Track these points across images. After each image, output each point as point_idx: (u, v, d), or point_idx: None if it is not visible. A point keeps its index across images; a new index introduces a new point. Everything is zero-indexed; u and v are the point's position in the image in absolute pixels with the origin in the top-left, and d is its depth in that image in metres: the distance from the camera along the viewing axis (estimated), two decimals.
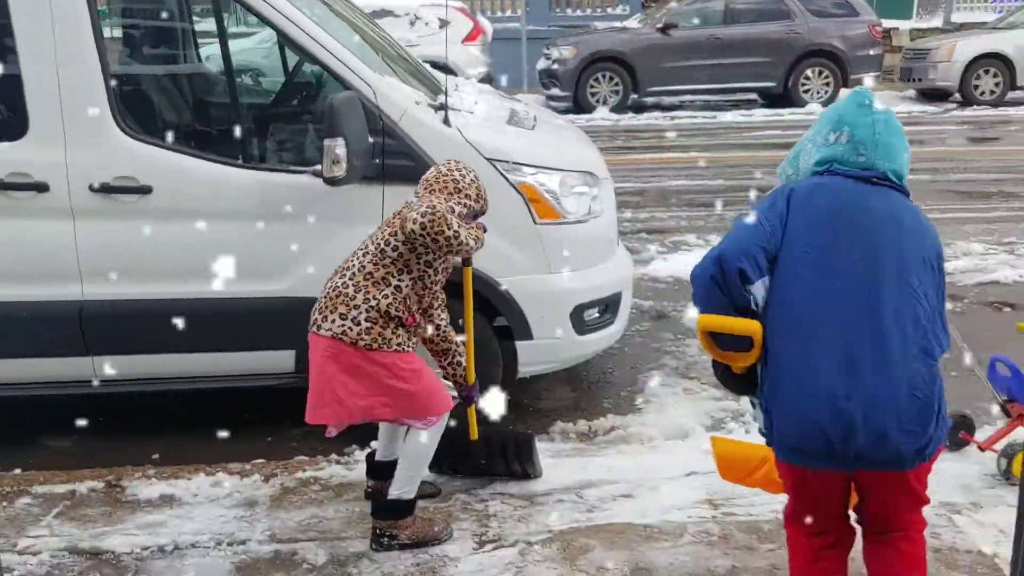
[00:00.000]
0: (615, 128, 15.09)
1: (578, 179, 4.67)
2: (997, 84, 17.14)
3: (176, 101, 5.34)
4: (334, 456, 4.45)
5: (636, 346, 5.83)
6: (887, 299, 2.63)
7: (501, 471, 4.15)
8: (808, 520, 2.87)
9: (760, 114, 16.21)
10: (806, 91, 16.99)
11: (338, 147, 3.99)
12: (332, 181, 4.07)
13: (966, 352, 4.17)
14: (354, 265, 3.53)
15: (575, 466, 4.30)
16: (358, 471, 4.24)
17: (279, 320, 4.40)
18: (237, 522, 3.84)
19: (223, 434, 4.67)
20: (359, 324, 3.40)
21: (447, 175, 3.65)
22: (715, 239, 8.14)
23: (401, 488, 3.62)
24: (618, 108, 16.51)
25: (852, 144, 2.82)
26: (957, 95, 17.32)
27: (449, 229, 3.36)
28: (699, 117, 16.10)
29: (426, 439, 3.60)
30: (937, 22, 22.13)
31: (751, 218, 2.77)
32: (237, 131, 4.44)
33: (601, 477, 4.18)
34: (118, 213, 4.25)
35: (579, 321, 4.65)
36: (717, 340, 2.77)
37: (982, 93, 17.13)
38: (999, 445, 4.25)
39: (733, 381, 2.92)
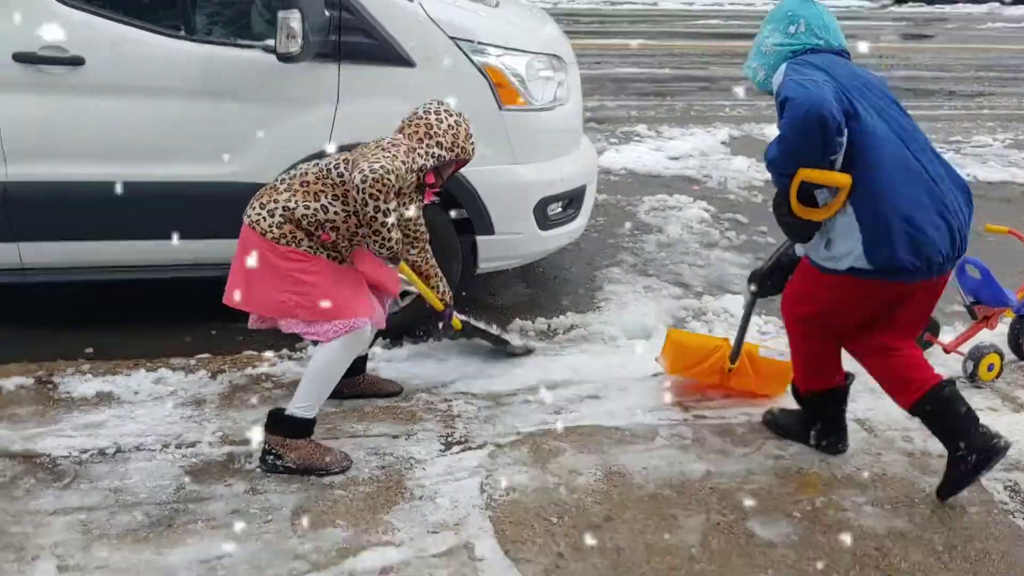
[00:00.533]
0: (555, 12, 14.61)
1: (545, 63, 4.39)
2: None
3: None
4: (286, 351, 4.21)
5: (592, 242, 5.65)
6: (922, 139, 3.13)
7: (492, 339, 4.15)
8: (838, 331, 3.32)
9: (701, 2, 15.88)
10: None
11: (293, 20, 3.65)
12: (285, 57, 3.74)
13: None
14: (300, 170, 3.35)
15: (538, 366, 4.14)
16: None
17: (224, 207, 4.08)
18: (185, 422, 3.59)
19: (162, 328, 4.42)
20: (273, 216, 3.23)
21: (422, 118, 3.40)
22: (667, 130, 8.00)
23: (300, 405, 3.28)
24: None
25: (810, 30, 3.25)
26: None
27: (380, 208, 3.13)
28: (639, 3, 15.71)
29: (334, 354, 3.27)
30: None
31: (812, 81, 3.01)
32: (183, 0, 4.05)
33: (566, 377, 4.03)
34: (45, 86, 3.86)
35: (542, 216, 4.43)
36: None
37: None
38: (965, 347, 4.21)
39: (803, 231, 3.22)
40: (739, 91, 9.47)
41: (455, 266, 4.38)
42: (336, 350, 3.27)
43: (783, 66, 3.19)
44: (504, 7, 4.71)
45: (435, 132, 3.37)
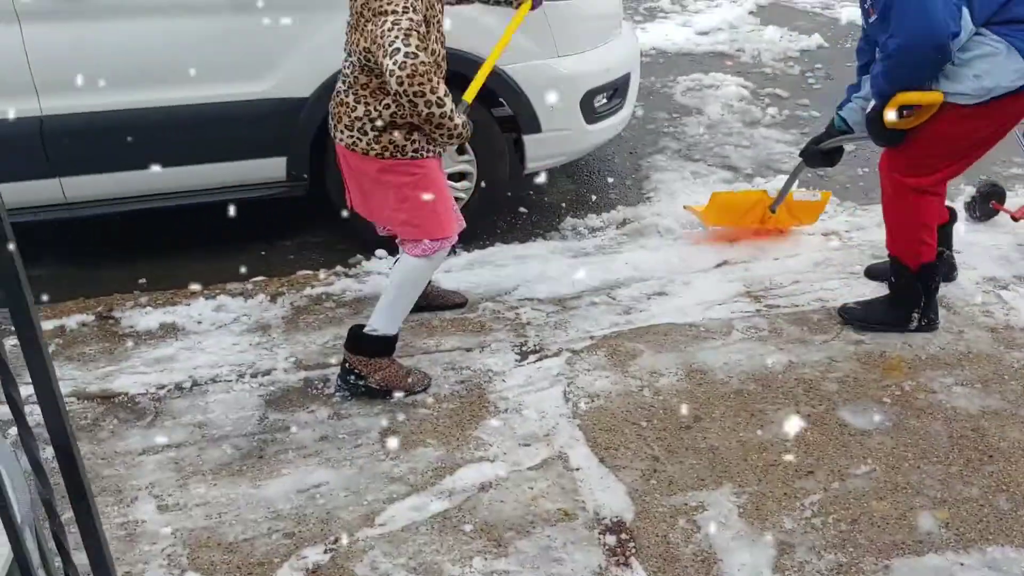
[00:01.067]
0: None
1: None
2: None
3: None
4: (340, 268, 4.14)
5: (632, 129, 5.50)
6: None
7: None
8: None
9: None
10: None
11: None
12: None
13: None
14: (348, 71, 3.10)
15: (600, 264, 4.06)
16: (371, 283, 3.97)
17: (265, 124, 3.98)
18: (255, 350, 3.55)
19: (210, 254, 4.35)
20: (366, 133, 3.05)
21: None
22: (692, 3, 7.72)
23: (380, 322, 3.20)
24: None
25: None
26: None
27: (432, 100, 2.83)
28: None
29: (419, 269, 3.17)
30: None
31: None
32: None
33: (628, 275, 3.97)
34: (71, 13, 3.70)
35: (589, 109, 4.29)
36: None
37: None
38: None
39: (894, 139, 3.26)
40: None
41: (502, 167, 4.28)
42: (423, 265, 3.17)
43: None
44: None
45: None
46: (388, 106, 3.01)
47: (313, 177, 4.16)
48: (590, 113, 4.31)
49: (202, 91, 3.90)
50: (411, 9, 2.86)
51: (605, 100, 4.38)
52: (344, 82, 3.12)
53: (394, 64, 2.79)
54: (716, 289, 3.82)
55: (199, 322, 3.76)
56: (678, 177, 4.92)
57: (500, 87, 4.10)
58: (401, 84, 2.79)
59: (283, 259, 4.33)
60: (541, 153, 4.31)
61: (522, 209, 4.71)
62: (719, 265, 4.01)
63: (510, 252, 4.23)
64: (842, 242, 4.17)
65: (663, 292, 3.83)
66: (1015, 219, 4.13)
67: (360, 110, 3.03)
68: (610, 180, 5.02)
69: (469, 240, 4.27)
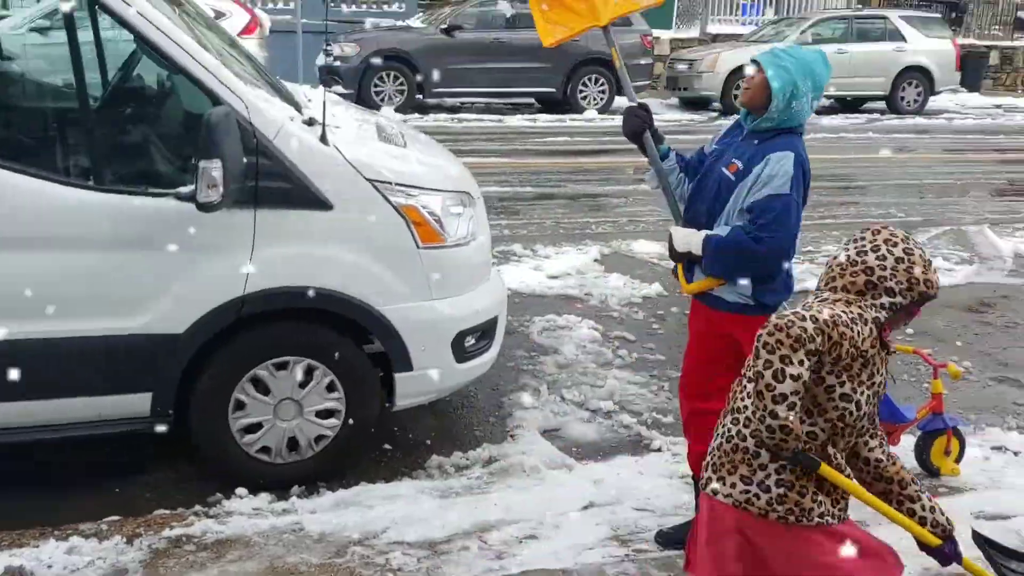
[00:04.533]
0: None
1: (456, 199, 4.45)
2: None
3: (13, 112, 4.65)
4: (199, 507, 4.00)
5: (493, 366, 5.64)
6: None
7: None
8: None
9: (544, 119, 16.46)
10: (583, 98, 17.44)
11: (215, 169, 3.57)
12: (206, 207, 3.64)
13: None
14: (747, 405, 2.63)
15: (469, 505, 4.08)
16: (233, 525, 3.84)
17: (135, 360, 3.91)
18: None
19: (60, 489, 4.13)
20: (769, 491, 2.59)
21: (858, 261, 2.67)
22: (542, 248, 8.16)
23: None
24: (402, 108, 16.26)
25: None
26: (718, 104, 18.34)
27: (773, 363, 2.41)
28: (486, 120, 16.16)
29: None
30: (694, 32, 23.34)
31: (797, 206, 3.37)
32: (79, 147, 3.91)
33: (499, 517, 3.99)
34: None
35: (460, 348, 4.43)
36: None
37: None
38: None
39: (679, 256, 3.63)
40: (611, 202, 9.83)
41: (372, 404, 4.31)
42: None
43: (796, 147, 3.41)
44: (412, 145, 4.77)
45: (880, 277, 2.63)
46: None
47: (178, 413, 4.07)
48: (460, 353, 4.44)
49: (69, 325, 3.82)
50: (853, 314, 2.56)
51: (474, 340, 4.54)
52: (738, 420, 2.66)
53: (775, 316, 2.53)
54: (585, 531, 3.89)
55: (49, 566, 3.53)
56: (540, 415, 5.06)
57: (374, 327, 4.20)
58: (763, 329, 2.47)
59: (139, 496, 4.15)
60: (411, 390, 4.38)
61: (387, 446, 4.72)
62: (586, 507, 4.09)
63: (377, 492, 4.20)
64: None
65: (534, 535, 3.86)
66: None
67: (765, 455, 2.57)
68: (474, 417, 5.11)
69: (335, 480, 4.23)
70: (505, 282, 6.73)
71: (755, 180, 3.37)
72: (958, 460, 4.52)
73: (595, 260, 7.89)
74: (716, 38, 22.35)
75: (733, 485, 2.61)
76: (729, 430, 2.68)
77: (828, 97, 19.25)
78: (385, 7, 21.02)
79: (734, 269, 3.45)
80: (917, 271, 2.65)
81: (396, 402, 4.38)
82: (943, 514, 2.84)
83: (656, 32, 20.23)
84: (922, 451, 4.50)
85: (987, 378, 5.88)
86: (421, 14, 19.56)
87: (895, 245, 2.67)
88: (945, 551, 2.83)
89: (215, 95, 3.81)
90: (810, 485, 2.59)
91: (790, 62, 3.37)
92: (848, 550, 2.59)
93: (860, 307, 2.61)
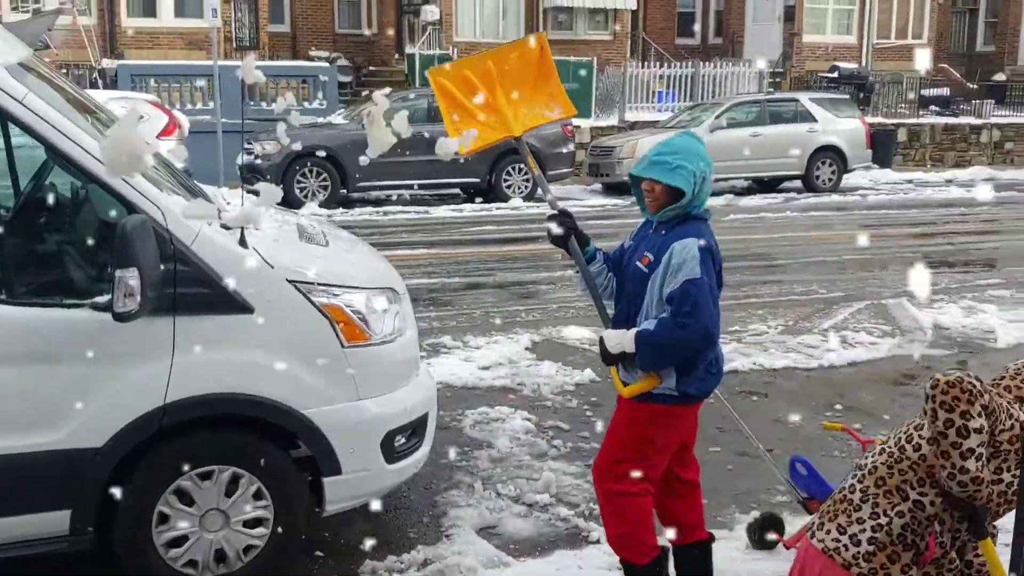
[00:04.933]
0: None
1: (381, 296, 4.42)
2: None
3: None
4: None
5: (425, 464, 5.55)
6: None
7: None
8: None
9: (469, 209, 16.61)
10: (508, 186, 17.64)
11: (131, 278, 3.50)
12: (123, 316, 3.56)
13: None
14: (868, 462, 2.77)
15: None
16: None
17: (53, 476, 3.76)
18: None
19: None
20: (859, 545, 2.62)
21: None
22: (472, 339, 8.13)
23: None
24: (327, 203, 16.27)
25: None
26: None
27: (955, 421, 2.44)
28: (412, 212, 16.23)
29: None
30: (613, 120, 23.88)
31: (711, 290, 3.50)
32: None
33: None
34: None
35: (390, 449, 4.35)
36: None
37: None
38: None
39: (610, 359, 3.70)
40: (540, 291, 9.88)
41: (300, 511, 4.20)
42: None
43: (700, 232, 3.54)
44: (334, 243, 4.74)
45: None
46: (902, 513, 2.59)
47: (99, 529, 3.91)
48: (391, 453, 4.36)
49: None
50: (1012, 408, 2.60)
51: (405, 439, 4.46)
52: (857, 473, 2.80)
53: (940, 376, 2.54)
54: None
55: None
56: (475, 513, 4.97)
57: (300, 431, 4.11)
58: (935, 387, 2.49)
59: None
60: (341, 495, 4.27)
61: (318, 553, 4.58)
62: None
63: None
64: None
65: None
66: (787, 547, 4.40)
67: (866, 510, 2.62)
68: (407, 518, 5.00)
69: None
70: (435, 376, 6.69)
71: (665, 270, 3.45)
72: None
73: (526, 348, 7.88)
74: (634, 125, 22.88)
75: (828, 532, 2.67)
76: (844, 483, 2.80)
77: (747, 178, 19.80)
78: (306, 104, 21.16)
79: (667, 359, 3.50)
80: None
81: (326, 507, 4.27)
82: None
83: (577, 121, 20.66)
84: None
85: None
86: (343, 110, 19.70)
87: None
88: None
89: (130, 203, 3.76)
90: (905, 555, 2.56)
91: (675, 158, 3.51)
92: None
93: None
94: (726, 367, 7.28)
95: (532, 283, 10.67)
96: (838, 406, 6.68)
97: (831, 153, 19.74)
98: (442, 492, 5.24)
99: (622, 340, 3.56)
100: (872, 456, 2.74)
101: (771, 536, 4.47)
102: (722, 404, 4.57)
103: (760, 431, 5.22)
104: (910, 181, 21.47)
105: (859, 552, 2.60)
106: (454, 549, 4.55)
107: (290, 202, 16.17)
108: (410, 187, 17.34)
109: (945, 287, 10.60)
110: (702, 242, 3.48)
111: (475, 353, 7.72)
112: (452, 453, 5.76)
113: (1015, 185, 21.27)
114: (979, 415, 2.42)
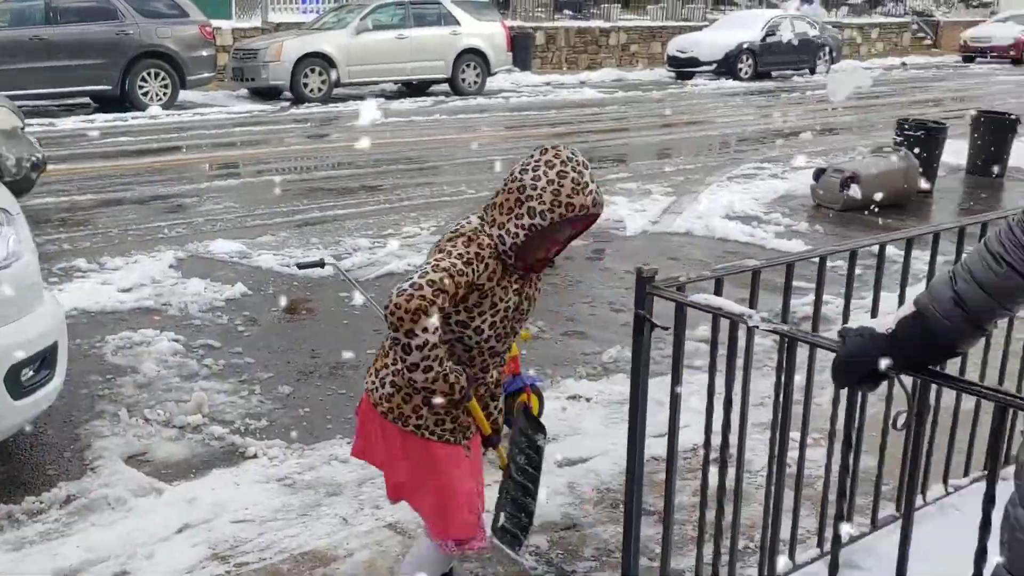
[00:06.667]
0: None
1: None
2: (323, 82, 18.37)
3: None
4: None
5: (62, 396, 5.14)
6: None
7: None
8: None
9: (102, 119, 15.37)
10: (145, 94, 16.52)
11: None
12: None
13: None
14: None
15: (46, 554, 3.69)
16: None
17: None
18: None
19: None
20: (383, 387, 2.87)
21: (516, 179, 2.74)
22: (109, 260, 7.58)
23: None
24: None
25: None
26: (288, 93, 18.22)
27: (414, 340, 2.56)
28: (34, 124, 14.71)
29: (427, 553, 3.03)
30: (256, 22, 22.93)
31: None
32: None
33: (83, 559, 3.65)
34: None
35: (15, 383, 3.98)
36: None
37: (311, 91, 18.23)
38: None
39: None
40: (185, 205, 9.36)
41: None
42: (432, 554, 3.04)
43: None
44: None
45: (529, 195, 2.68)
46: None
47: None
48: (17, 388, 3.99)
49: None
50: (470, 254, 2.67)
51: (32, 373, 4.10)
52: None
53: (395, 290, 2.59)
54: (181, 556, 3.67)
55: None
56: (122, 442, 4.69)
57: None
58: (389, 318, 2.58)
59: None
60: None
61: None
62: (180, 530, 3.86)
63: None
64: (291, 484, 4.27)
65: (124, 571, 3.58)
66: None
67: (391, 356, 2.85)
68: (45, 455, 4.62)
69: None
70: (68, 303, 6.22)
71: None
72: (539, 414, 4.83)
73: (170, 266, 7.48)
74: (279, 27, 22.12)
75: (370, 373, 2.95)
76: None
77: (395, 82, 19.85)
78: None
79: None
80: (566, 189, 2.66)
81: None
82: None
83: (216, 23, 19.61)
84: (506, 411, 4.75)
85: (558, 334, 6.35)
86: None
87: (551, 167, 2.70)
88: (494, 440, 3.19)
89: None
90: (413, 396, 2.82)
91: None
92: (442, 464, 2.90)
93: (483, 241, 2.71)
94: (384, 269, 7.46)
95: (175, 196, 10.11)
96: None
97: (475, 56, 20.23)
98: (84, 424, 4.89)
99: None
100: None
101: None
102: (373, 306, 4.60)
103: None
104: (548, 83, 22.54)
105: (382, 393, 2.87)
106: (100, 481, 4.27)
107: None
108: (32, 96, 15.69)
109: None
110: None
111: (113, 275, 7.22)
112: (93, 382, 5.39)
113: (640, 85, 23.03)
114: (424, 330, 2.57)
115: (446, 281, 2.59)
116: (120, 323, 6.30)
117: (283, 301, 6.80)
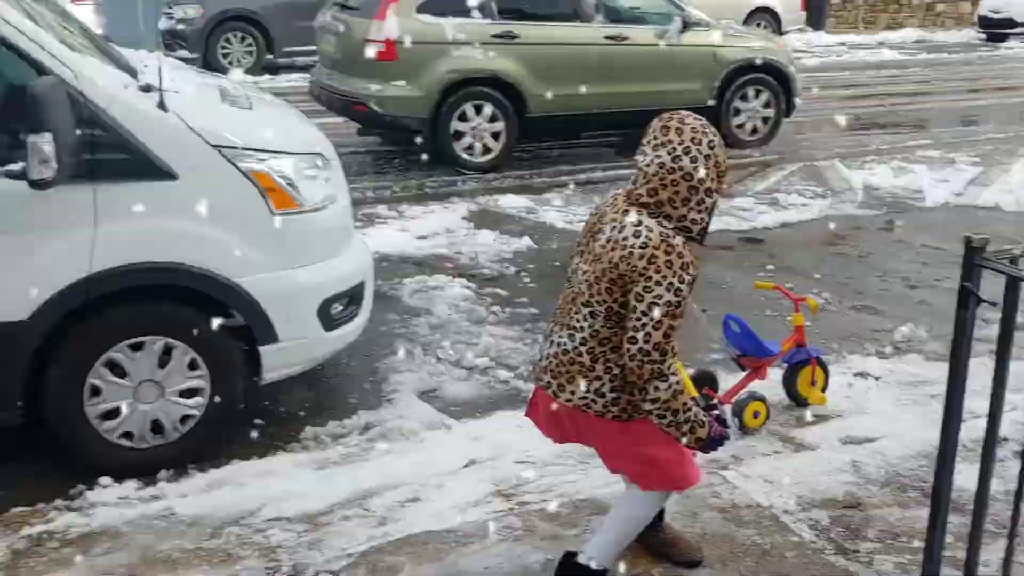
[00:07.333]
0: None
1: (310, 162, 4.29)
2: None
3: None
4: (60, 501, 3.78)
5: (364, 332, 5.51)
6: None
7: None
8: None
9: None
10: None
11: (46, 143, 3.34)
12: (40, 184, 3.41)
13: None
14: (582, 325, 2.97)
15: (347, 474, 3.99)
16: (98, 516, 3.65)
17: None
18: None
19: None
20: (604, 396, 2.95)
21: (675, 167, 2.82)
22: (408, 209, 8.03)
23: (595, 554, 3.12)
24: (253, 70, 15.70)
25: None
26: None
27: (654, 383, 2.81)
28: None
29: (647, 504, 3.15)
30: None
31: None
32: None
33: (379, 483, 3.91)
34: None
35: (327, 316, 4.30)
36: None
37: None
38: (735, 398, 4.50)
39: None
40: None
41: (237, 380, 4.15)
42: (652, 501, 3.16)
43: None
44: (259, 107, 4.57)
45: (698, 179, 2.82)
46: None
47: (30, 403, 3.84)
48: (328, 321, 4.32)
49: None
50: (679, 268, 2.83)
51: (342, 308, 4.41)
52: (574, 337, 2.99)
53: (636, 350, 2.79)
54: (467, 489, 3.85)
55: None
56: (416, 378, 4.98)
57: (233, 300, 4.03)
58: (641, 367, 2.79)
59: None
60: (279, 363, 4.23)
61: (258, 421, 4.56)
62: (467, 465, 4.05)
63: (251, 469, 4.06)
64: None
65: (416, 498, 3.80)
66: (721, 403, 4.49)
67: (599, 368, 2.94)
68: (348, 384, 4.99)
69: (205, 460, 4.08)
70: (371, 246, 6.62)
71: None
72: (824, 389, 4.66)
73: (463, 217, 7.81)
74: None
75: (573, 392, 2.97)
76: (565, 345, 3.01)
77: None
78: None
79: None
80: (718, 154, 2.92)
81: (264, 376, 4.24)
82: None
83: None
84: (789, 383, 4.61)
85: (846, 308, 6.08)
86: None
87: (696, 143, 2.85)
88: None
89: (40, 64, 3.55)
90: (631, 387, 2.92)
91: None
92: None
93: (673, 243, 2.86)
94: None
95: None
96: (770, 266, 6.77)
97: (766, 15, 19.55)
98: (382, 359, 5.23)
99: None
100: (583, 317, 2.97)
101: (705, 392, 4.55)
102: None
103: (694, 292, 5.27)
104: (843, 44, 21.41)
105: (607, 400, 2.95)
106: (396, 412, 4.56)
107: (213, 69, 15.60)
108: None
109: (876, 148, 10.71)
110: None
111: (411, 223, 7.63)
112: (391, 321, 5.74)
113: (945, 47, 21.39)
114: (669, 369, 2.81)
115: (673, 325, 2.81)
116: (417, 268, 6.66)
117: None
